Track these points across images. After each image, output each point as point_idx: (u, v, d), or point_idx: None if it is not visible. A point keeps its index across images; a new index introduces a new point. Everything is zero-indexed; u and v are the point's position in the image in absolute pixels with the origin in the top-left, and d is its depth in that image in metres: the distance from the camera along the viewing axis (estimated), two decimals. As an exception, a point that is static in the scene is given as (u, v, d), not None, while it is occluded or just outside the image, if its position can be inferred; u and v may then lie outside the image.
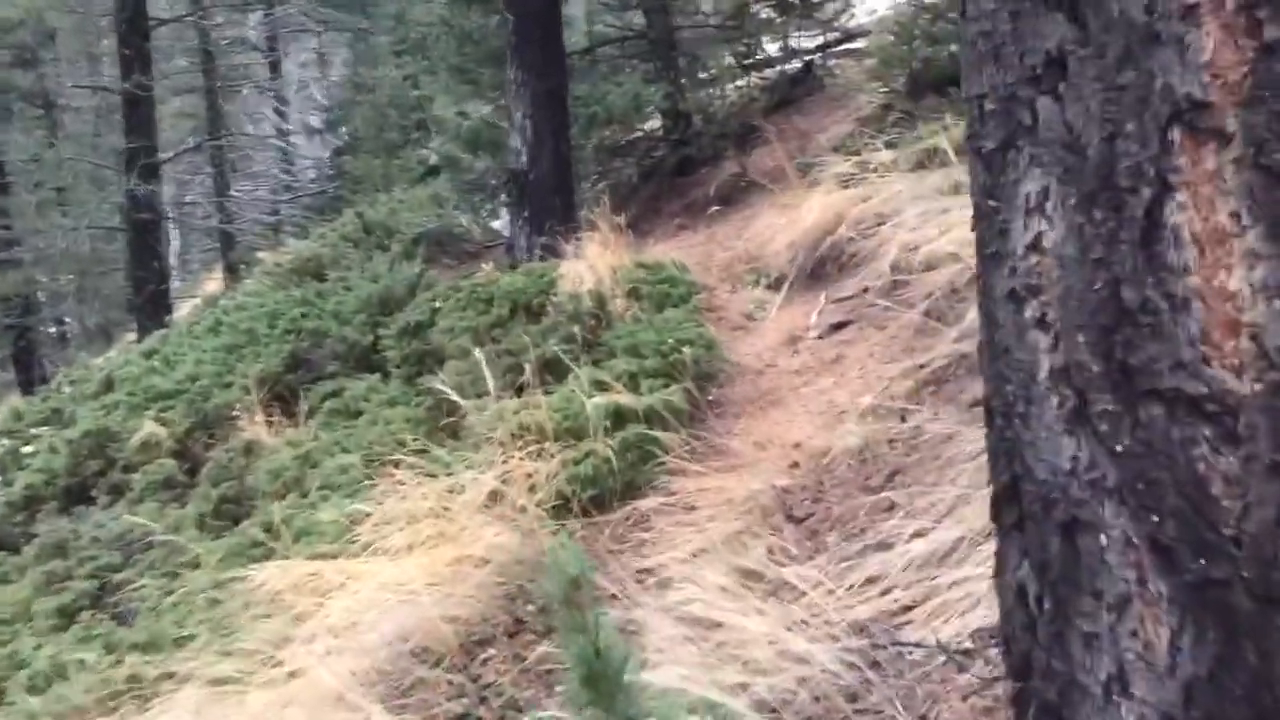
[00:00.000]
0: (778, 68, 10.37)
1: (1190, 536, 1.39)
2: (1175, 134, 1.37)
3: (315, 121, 20.11)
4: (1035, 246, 1.53)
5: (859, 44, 10.44)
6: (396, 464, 4.90)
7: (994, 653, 2.36)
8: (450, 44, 9.82)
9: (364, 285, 8.30)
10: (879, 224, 6.34)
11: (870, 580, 2.93)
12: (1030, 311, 1.55)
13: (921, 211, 5.98)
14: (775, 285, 6.79)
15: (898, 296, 5.46)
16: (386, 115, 14.66)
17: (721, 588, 3.31)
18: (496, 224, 9.21)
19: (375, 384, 6.65)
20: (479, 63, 9.29)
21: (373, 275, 8.69)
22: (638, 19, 10.04)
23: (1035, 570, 1.59)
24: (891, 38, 7.72)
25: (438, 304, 7.07)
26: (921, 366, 4.45)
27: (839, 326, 5.82)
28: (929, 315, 4.97)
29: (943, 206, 5.92)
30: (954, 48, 7.54)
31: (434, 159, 11.46)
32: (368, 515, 4.42)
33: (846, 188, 6.94)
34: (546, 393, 4.92)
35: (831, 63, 10.37)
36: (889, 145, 7.05)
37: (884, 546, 3.08)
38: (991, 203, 1.60)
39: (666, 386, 4.84)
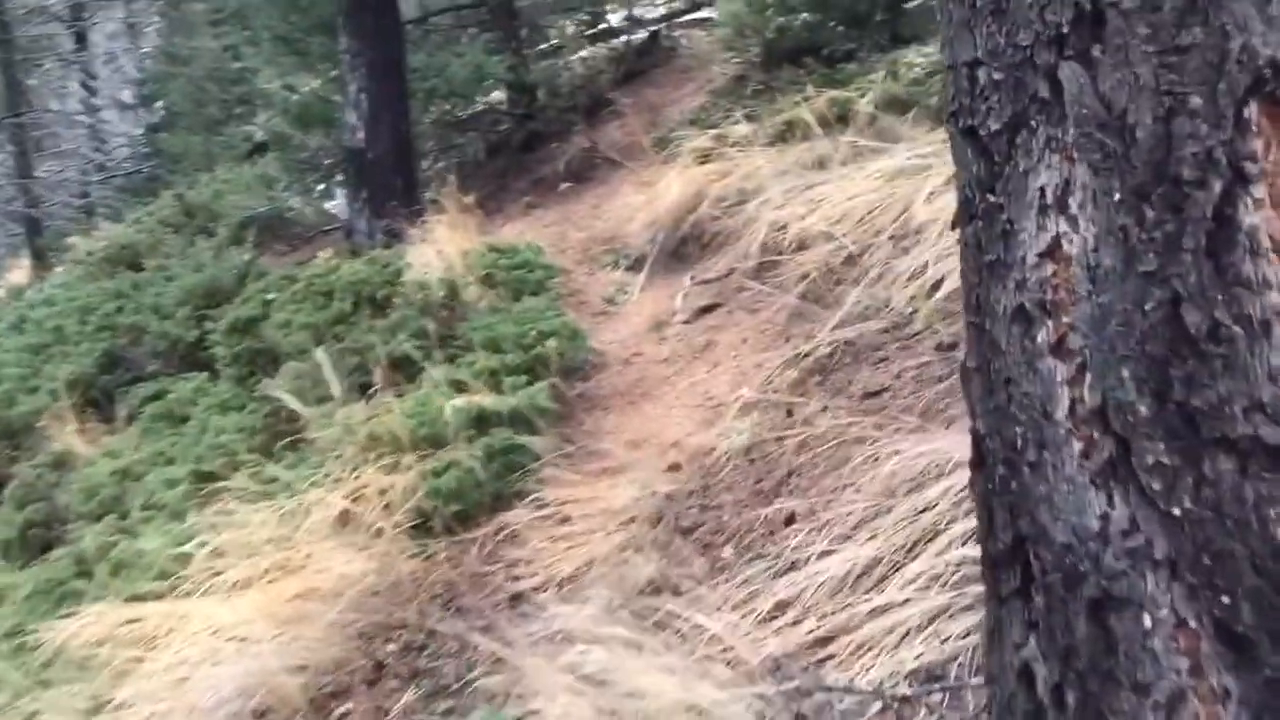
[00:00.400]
0: (623, 38, 10.00)
1: (1271, 623, 1.10)
2: (1253, 110, 1.06)
3: (127, 96, 18.69)
4: (1052, 253, 1.21)
5: (706, 13, 10.17)
6: (230, 481, 4.37)
7: (936, 699, 2.08)
8: (274, 12, 9.08)
9: (187, 275, 7.60)
10: (742, 201, 6.06)
11: (780, 607, 2.63)
12: (1044, 335, 1.24)
13: (787, 188, 5.73)
14: (636, 266, 6.45)
15: (768, 278, 5.20)
16: (206, 89, 13.64)
17: (608, 618, 2.96)
18: (332, 206, 8.57)
19: (203, 384, 6.03)
20: (307, 32, 8.61)
21: (196, 264, 7.98)
22: (475, -14, 9.52)
23: (1050, 653, 1.29)
24: (744, 5, 7.44)
25: (271, 295, 6.48)
26: (803, 355, 4.18)
27: (707, 310, 5.52)
28: (805, 298, 4.71)
29: (808, 182, 5.68)
30: (807, 15, 7.33)
31: (261, 135, 10.68)
32: (199, 544, 3.89)
33: (705, 163, 6.64)
34: (398, 396, 4.47)
35: (678, 33, 10.06)
36: (747, 118, 6.78)
37: (790, 566, 2.79)
38: (991, 198, 1.27)
39: (531, 384, 4.44)
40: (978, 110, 1.26)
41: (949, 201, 4.43)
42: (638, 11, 9.93)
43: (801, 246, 5.10)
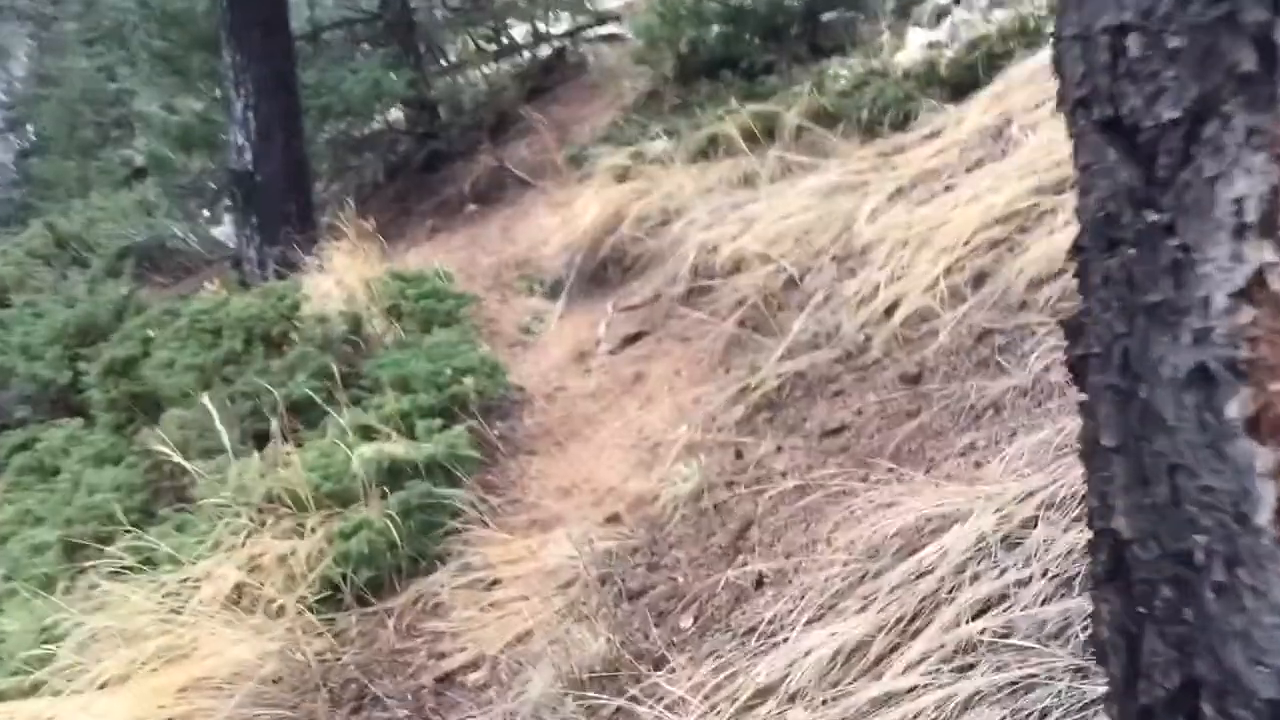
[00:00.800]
0: (527, 54, 9.61)
1: None
2: None
3: (-5, 121, 17.65)
4: (1252, 292, 0.86)
5: (613, 29, 9.86)
6: (107, 545, 3.84)
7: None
8: (151, 29, 8.46)
9: (58, 311, 6.96)
10: (665, 222, 5.72)
11: (761, 694, 2.25)
12: (1236, 407, 0.88)
13: (714, 207, 5.40)
14: (552, 293, 6.06)
15: (701, 304, 4.85)
16: (79, 111, 12.84)
17: (553, 707, 2.56)
18: (218, 232, 7.98)
19: (76, 432, 5.44)
20: (186, 48, 8.03)
21: (69, 298, 7.35)
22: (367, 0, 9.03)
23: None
24: (656, 18, 7.12)
25: (151, 333, 5.92)
26: (749, 388, 3.83)
27: (634, 339, 5.15)
28: (744, 325, 4.37)
29: (736, 201, 5.37)
30: (721, 28, 7.04)
31: (139, 160, 10.00)
32: (70, 626, 3.36)
33: (623, 181, 6.29)
34: (298, 445, 3.99)
35: (584, 49, 9.71)
36: (666, 134, 6.45)
37: (767, 641, 2.41)
38: (1153, 216, 0.91)
39: (448, 427, 4.01)
40: (1127, 95, 0.90)
41: (895, 219, 4.15)
42: (542, 26, 9.55)
43: (735, 269, 4.76)
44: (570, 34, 9.77)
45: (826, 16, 6.90)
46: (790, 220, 4.73)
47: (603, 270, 5.93)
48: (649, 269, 5.61)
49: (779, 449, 3.38)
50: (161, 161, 7.59)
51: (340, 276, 5.48)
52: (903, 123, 5.28)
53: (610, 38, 9.76)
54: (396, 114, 8.81)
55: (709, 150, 6.13)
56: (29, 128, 15.92)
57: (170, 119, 7.44)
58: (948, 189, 4.17)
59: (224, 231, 7.58)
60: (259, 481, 3.64)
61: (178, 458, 3.84)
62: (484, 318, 5.96)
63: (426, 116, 8.76)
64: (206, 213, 7.66)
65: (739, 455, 3.49)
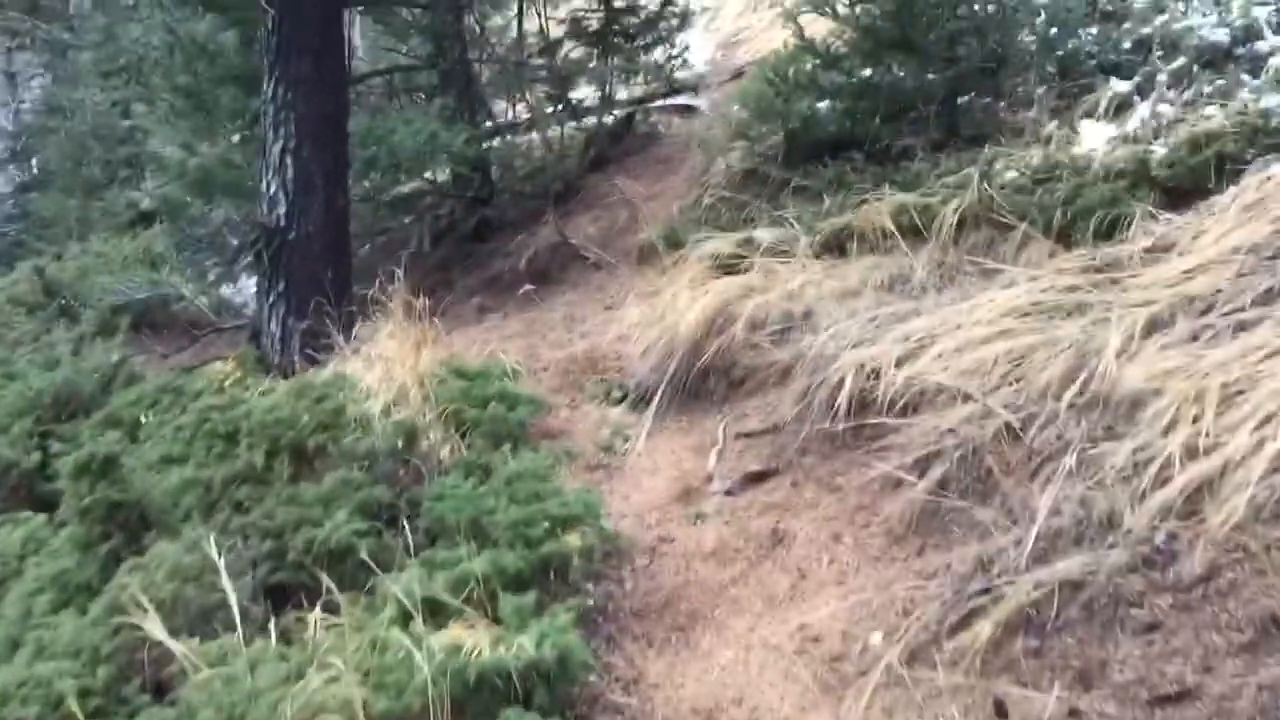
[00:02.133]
0: (592, 119, 8.62)
1: None
2: None
3: (-1, 150, 16.67)
4: None
5: (686, 99, 8.89)
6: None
7: None
8: (177, 59, 7.45)
9: (34, 374, 5.86)
10: (788, 327, 4.63)
11: None
12: None
13: (861, 317, 4.32)
14: (637, 403, 4.93)
15: (861, 445, 3.73)
16: (88, 147, 11.84)
17: None
18: (234, 292, 6.87)
19: (38, 532, 4.32)
20: (216, 83, 7.01)
21: (49, 359, 6.24)
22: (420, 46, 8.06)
23: None
24: (767, 86, 6.11)
25: (145, 417, 4.81)
26: (983, 593, 2.69)
27: (758, 479, 4.03)
28: (944, 488, 3.24)
29: (891, 311, 4.28)
30: (840, 103, 6.02)
31: (148, 203, 8.92)
32: None
33: (728, 273, 5.20)
34: (334, 619, 2.82)
35: (654, 118, 8.72)
36: (782, 220, 5.39)
37: None
38: None
39: (542, 611, 2.86)
40: None
41: (1166, 361, 3.05)
42: (616, 91, 8.57)
43: (912, 404, 3.65)
44: (640, 101, 8.79)
45: (961, 99, 5.90)
46: (988, 347, 3.63)
47: (704, 381, 4.81)
48: (770, 386, 4.49)
49: (1073, 713, 2.23)
50: (175, 207, 6.51)
51: (389, 367, 4.36)
52: (1107, 231, 4.22)
53: (684, 109, 8.79)
54: (441, 173, 7.77)
55: (841, 243, 5.06)
56: (33, 160, 14.91)
57: (189, 160, 6.37)
58: (1242, 327, 3.08)
59: (239, 292, 6.46)
60: (276, 690, 2.46)
61: (160, 633, 2.68)
62: (552, 427, 4.83)
63: (479, 178, 7.72)
64: (222, 271, 6.51)
65: (1001, 712, 2.33)
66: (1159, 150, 4.45)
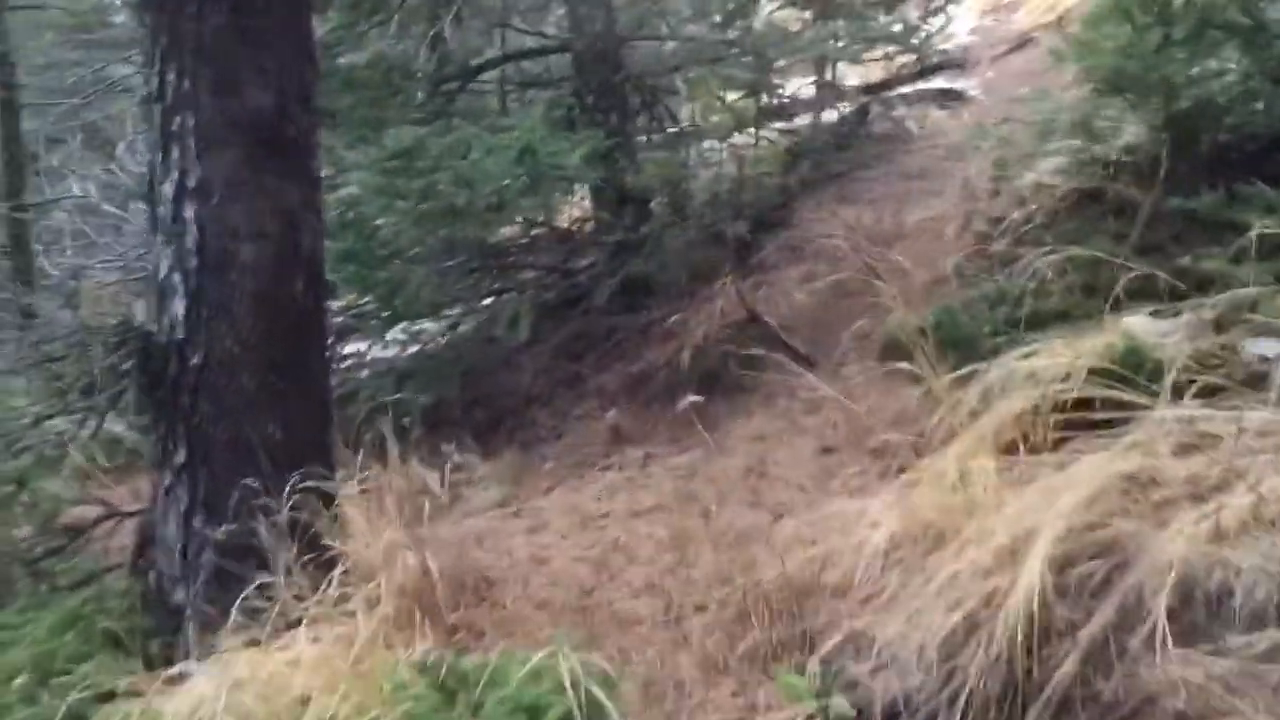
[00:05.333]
0: (802, 117, 5.83)
1: None
2: None
3: None
4: None
5: (944, 81, 5.98)
6: None
7: None
8: None
9: None
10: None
11: None
12: None
13: None
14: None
15: None
16: None
17: None
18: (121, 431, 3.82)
19: None
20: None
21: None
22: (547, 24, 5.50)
23: None
24: (1129, 25, 3.16)
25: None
26: None
27: None
28: None
29: None
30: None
31: None
32: None
33: (1087, 424, 2.32)
34: None
35: (899, 111, 5.83)
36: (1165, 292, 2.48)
37: None
38: None
39: None
40: None
41: None
42: (832, 72, 5.75)
43: None
44: (877, 87, 5.94)
45: None
46: None
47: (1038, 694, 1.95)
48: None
49: None
50: None
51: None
52: None
53: (945, 95, 5.87)
54: (571, 206, 5.16)
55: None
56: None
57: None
58: None
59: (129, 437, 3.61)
60: None
61: None
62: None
63: (631, 213, 5.04)
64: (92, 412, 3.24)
65: None
66: None
